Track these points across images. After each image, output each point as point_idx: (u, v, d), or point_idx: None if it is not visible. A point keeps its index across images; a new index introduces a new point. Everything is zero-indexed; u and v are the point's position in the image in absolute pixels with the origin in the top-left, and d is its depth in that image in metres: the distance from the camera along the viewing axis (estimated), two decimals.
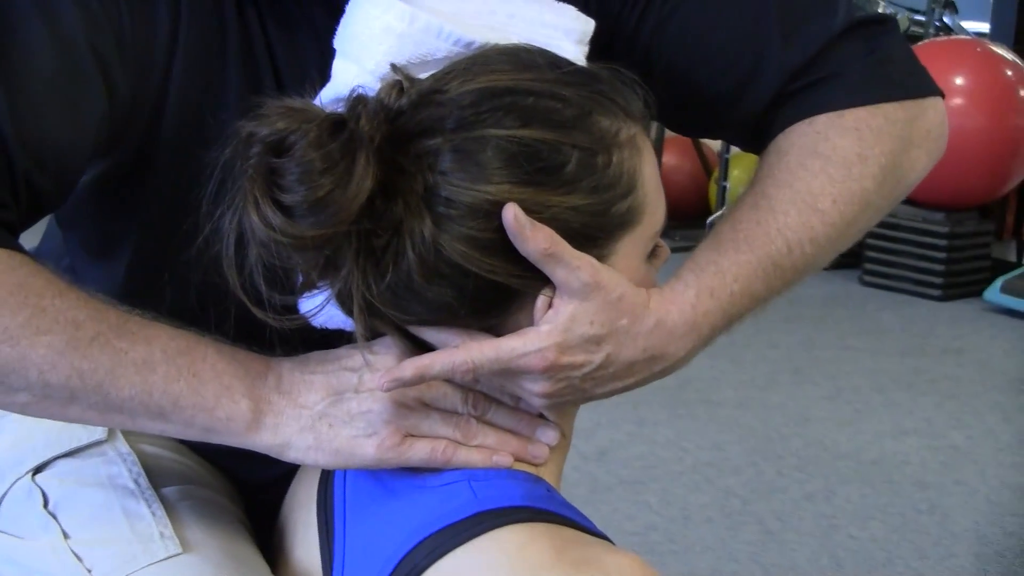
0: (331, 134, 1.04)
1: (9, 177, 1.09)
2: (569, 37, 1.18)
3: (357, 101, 1.07)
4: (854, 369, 4.96)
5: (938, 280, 6.08)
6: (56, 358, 1.07)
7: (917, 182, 1.31)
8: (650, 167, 1.13)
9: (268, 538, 1.32)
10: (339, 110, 1.07)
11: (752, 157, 1.32)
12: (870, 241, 6.38)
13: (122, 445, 1.32)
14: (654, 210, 1.13)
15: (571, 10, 1.20)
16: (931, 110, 1.30)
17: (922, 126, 1.28)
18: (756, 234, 1.19)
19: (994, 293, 5.98)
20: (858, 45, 1.28)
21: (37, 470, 1.30)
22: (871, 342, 5.24)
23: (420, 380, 1.11)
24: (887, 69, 1.28)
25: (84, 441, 1.31)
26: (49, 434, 1.31)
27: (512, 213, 1.04)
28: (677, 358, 1.15)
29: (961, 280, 6.15)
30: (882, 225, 6.57)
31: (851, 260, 6.10)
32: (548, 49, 1.14)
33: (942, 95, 1.31)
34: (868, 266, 6.28)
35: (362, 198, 1.02)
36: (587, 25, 1.19)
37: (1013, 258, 6.47)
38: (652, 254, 1.16)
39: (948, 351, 5.31)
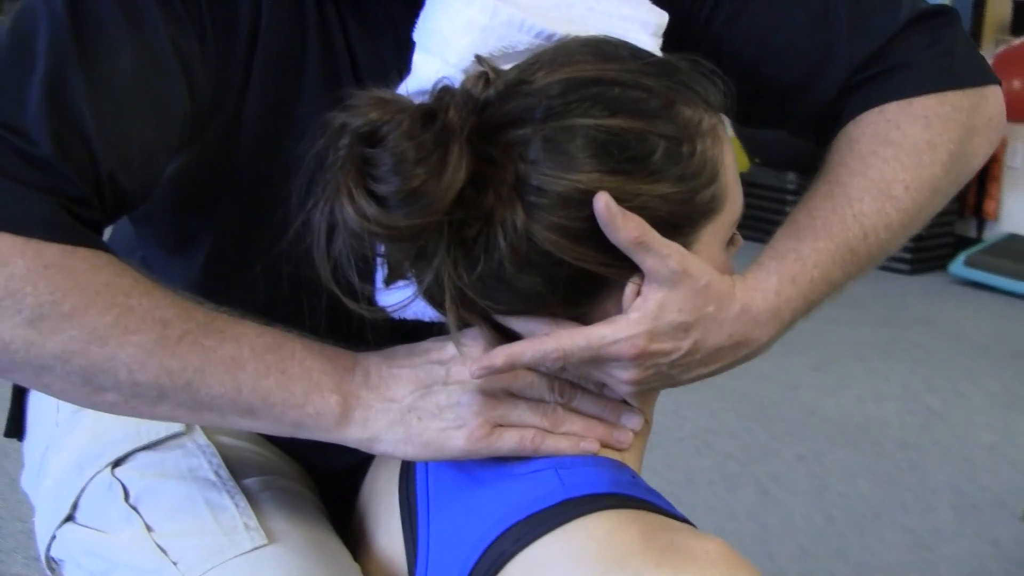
0: (423, 125, 0.96)
1: (94, 176, 1.00)
2: (645, 29, 1.10)
3: (444, 92, 0.99)
4: (835, 340, 4.92)
5: (907, 255, 6.06)
6: (145, 357, 0.99)
7: (978, 168, 1.23)
8: (729, 156, 1.05)
9: (345, 526, 1.24)
10: (423, 101, 0.99)
11: None
12: None
13: (200, 437, 1.23)
14: (734, 198, 1.06)
15: (646, 3, 1.12)
16: (992, 98, 1.23)
17: (984, 114, 1.21)
18: (833, 221, 1.12)
19: (958, 267, 5.99)
20: (922, 37, 1.21)
21: (116, 463, 1.21)
22: (849, 315, 5.21)
23: (511, 368, 1.03)
24: (951, 59, 1.21)
25: (163, 434, 1.22)
26: (127, 427, 1.22)
27: (604, 202, 0.96)
28: (760, 344, 1.07)
29: (927, 255, 6.17)
30: None
31: None
32: (627, 40, 1.05)
33: (1000, 84, 1.23)
34: None
35: (456, 188, 0.94)
36: (661, 18, 1.12)
37: (974, 234, 6.47)
38: (730, 242, 1.07)
39: (919, 321, 5.31)
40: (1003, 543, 3.30)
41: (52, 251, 0.96)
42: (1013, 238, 6.01)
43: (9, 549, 2.99)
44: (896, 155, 1.15)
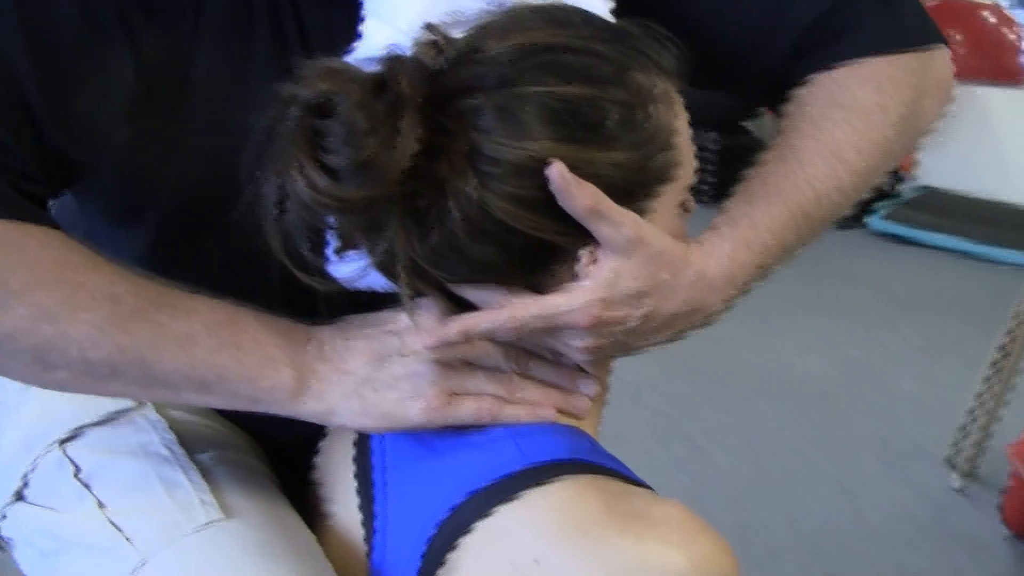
0: (374, 95, 0.93)
1: (39, 150, 0.98)
2: None
3: (394, 61, 0.97)
4: (759, 293, 4.84)
5: None
6: (96, 334, 0.96)
7: (929, 130, 1.22)
8: (683, 122, 1.03)
9: (299, 498, 1.21)
10: (374, 70, 0.97)
11: None
12: None
13: (151, 412, 1.20)
14: (687, 164, 1.04)
15: None
16: (940, 59, 1.22)
17: (933, 75, 1.20)
18: (786, 186, 1.11)
19: (876, 221, 6.03)
20: None
21: (66, 441, 1.18)
22: None
23: (466, 339, 1.01)
24: (900, 20, 1.20)
25: (112, 410, 1.19)
26: (75, 404, 1.19)
27: (557, 170, 0.94)
28: (715, 309, 1.06)
29: None
30: None
31: None
32: (579, 6, 1.03)
33: (948, 44, 1.23)
34: None
35: (408, 158, 0.92)
36: None
37: (889, 188, 6.51)
38: (683, 207, 1.06)
39: (839, 275, 5.32)
40: (927, 489, 3.34)
41: None
42: (929, 191, 6.07)
43: None
44: (847, 119, 1.14)
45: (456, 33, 1.00)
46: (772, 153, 1.15)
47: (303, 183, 0.93)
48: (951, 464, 3.46)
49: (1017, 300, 3.35)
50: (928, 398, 3.95)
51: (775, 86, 1.22)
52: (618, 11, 1.09)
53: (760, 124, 7.17)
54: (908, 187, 6.40)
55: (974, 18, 6.11)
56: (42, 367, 0.97)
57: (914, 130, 1.19)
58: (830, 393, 4.00)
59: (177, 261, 1.08)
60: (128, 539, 1.08)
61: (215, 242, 1.10)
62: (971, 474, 3.35)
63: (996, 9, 6.32)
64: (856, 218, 6.09)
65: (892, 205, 6.14)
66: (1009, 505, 3.08)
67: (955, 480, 3.34)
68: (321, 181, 0.92)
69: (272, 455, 1.27)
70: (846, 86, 1.16)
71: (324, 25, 1.11)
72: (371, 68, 0.97)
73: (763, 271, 1.10)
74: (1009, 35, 6.19)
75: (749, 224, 1.08)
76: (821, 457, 3.52)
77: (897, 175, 6.42)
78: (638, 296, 1.00)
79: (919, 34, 1.20)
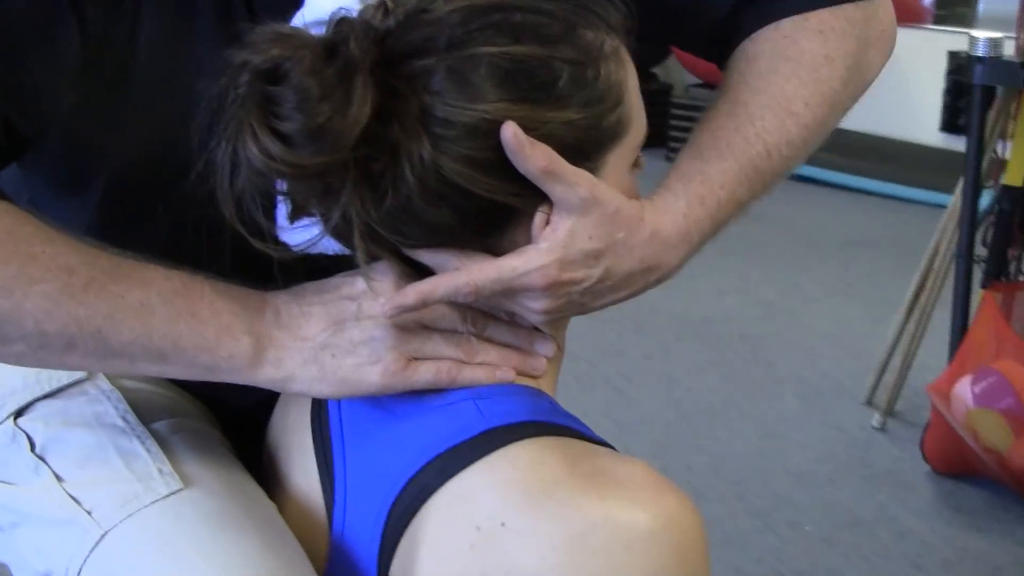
0: (325, 60, 0.91)
1: None
2: None
3: (342, 23, 0.95)
4: None
5: None
6: (51, 306, 0.94)
7: (872, 80, 1.21)
8: (632, 79, 1.02)
9: (253, 464, 1.19)
10: (319, 32, 0.94)
11: None
12: (673, 122, 6.40)
13: (103, 382, 1.18)
14: (638, 121, 1.03)
15: None
16: (882, 10, 1.21)
17: (876, 26, 1.19)
18: (736, 140, 1.09)
19: None
20: None
21: (18, 413, 1.16)
22: None
23: (423, 305, 1.00)
24: None
25: (64, 381, 1.17)
26: (27, 376, 1.17)
27: (511, 132, 0.92)
28: (671, 267, 1.05)
29: None
30: (682, 107, 6.59)
31: (656, 140, 6.08)
32: None
33: None
34: (673, 144, 6.28)
35: (362, 123, 0.90)
36: None
37: None
38: (634, 164, 1.05)
39: (750, 216, 5.31)
40: (847, 427, 3.38)
41: None
42: (837, 132, 6.10)
43: None
44: (795, 71, 1.13)
45: None
46: (721, 107, 1.13)
47: (256, 149, 0.90)
48: (870, 403, 3.51)
49: (930, 239, 3.39)
50: (844, 337, 4.00)
51: (720, 40, 1.21)
52: None
53: (667, 69, 7.19)
54: None
55: None
56: None
57: (860, 81, 1.18)
58: (748, 335, 4.04)
59: (126, 229, 1.06)
60: (88, 512, 1.06)
61: (164, 209, 1.07)
62: (890, 412, 3.41)
63: None
64: None
65: None
66: (929, 442, 3.13)
67: (875, 418, 3.40)
68: (275, 147, 0.90)
69: (224, 420, 1.25)
70: (793, 39, 1.15)
71: None
72: (318, 31, 0.95)
73: (717, 227, 1.08)
74: None
75: (702, 180, 1.07)
76: (742, 398, 3.56)
77: None
78: (594, 256, 0.99)
79: None
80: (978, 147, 3.11)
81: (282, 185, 0.96)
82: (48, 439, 1.13)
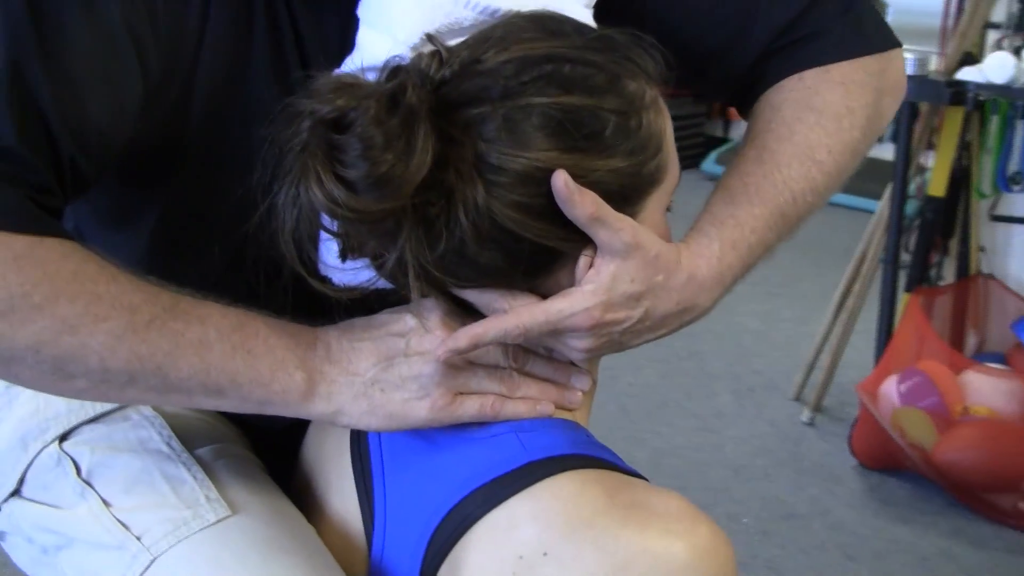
0: (388, 110, 0.90)
1: (55, 163, 0.94)
2: (579, 1, 1.06)
3: (401, 73, 0.94)
4: None
5: None
6: (115, 344, 0.93)
7: (886, 126, 1.23)
8: (669, 126, 1.03)
9: (284, 485, 1.18)
10: (377, 80, 0.94)
11: None
12: None
13: (145, 408, 1.16)
14: (673, 166, 1.04)
15: None
16: (896, 60, 1.23)
17: (891, 76, 1.21)
18: (765, 187, 1.10)
19: (710, 164, 6.14)
20: (835, 5, 1.19)
21: (63, 438, 1.14)
22: None
23: (475, 348, 1.00)
24: (861, 26, 1.19)
25: (108, 407, 1.15)
26: (71, 401, 1.15)
27: (563, 180, 0.93)
28: (704, 308, 1.06)
29: (682, 155, 6.19)
30: None
31: None
32: (565, 14, 1.01)
33: (901, 45, 1.24)
34: None
35: (423, 171, 0.90)
36: None
37: (721, 133, 6.63)
38: (667, 207, 1.06)
39: (679, 217, 5.31)
40: (779, 422, 3.43)
41: (20, 242, 0.90)
42: None
43: None
44: (819, 121, 1.14)
45: (452, 43, 0.98)
46: (749, 154, 1.14)
47: (321, 195, 0.90)
48: (799, 399, 3.56)
49: (853, 242, 3.45)
50: (773, 334, 4.05)
51: (742, 88, 1.22)
52: (597, 16, 1.07)
53: None
54: (737, 132, 6.51)
55: None
56: (61, 377, 0.94)
57: (877, 128, 1.20)
58: (683, 333, 4.04)
59: (173, 262, 1.05)
60: (137, 537, 1.05)
61: (220, 249, 1.07)
62: (818, 408, 3.45)
63: None
64: (692, 162, 6.19)
65: (724, 149, 6.25)
66: (857, 438, 3.18)
67: (805, 414, 3.44)
68: (340, 193, 0.90)
69: (255, 442, 1.24)
70: (816, 90, 1.16)
71: (318, 32, 1.09)
72: (372, 77, 0.95)
73: (746, 269, 1.10)
74: None
75: (734, 224, 1.08)
76: (680, 395, 3.59)
77: (727, 122, 6.53)
78: (635, 298, 1.00)
79: (878, 39, 1.20)
80: (905, 160, 3.16)
81: (333, 225, 0.95)
82: (95, 464, 1.12)
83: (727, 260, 1.06)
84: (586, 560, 0.91)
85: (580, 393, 1.07)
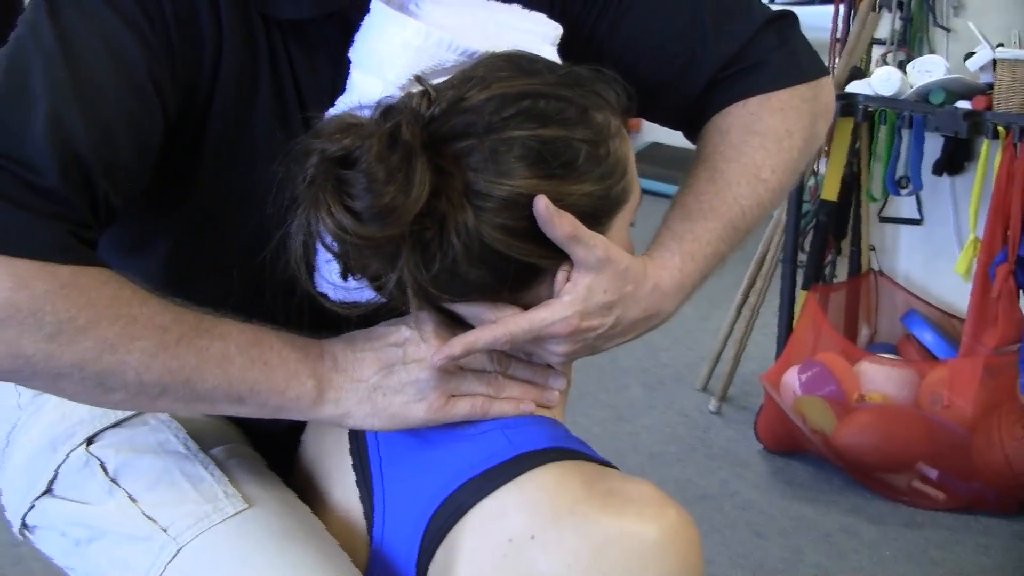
0: (389, 147, 0.97)
1: (91, 200, 1.00)
2: (546, 40, 1.15)
3: (391, 110, 1.01)
4: None
5: None
6: (149, 360, 1.00)
7: (819, 147, 1.32)
8: (631, 152, 1.10)
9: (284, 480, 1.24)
10: (373, 118, 1.00)
11: None
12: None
13: (162, 413, 1.22)
14: (636, 187, 1.11)
15: (543, 17, 1.16)
16: (827, 87, 1.31)
17: (823, 101, 1.29)
18: (717, 204, 1.18)
19: None
20: (772, 38, 1.27)
21: (89, 441, 1.20)
22: None
23: (467, 354, 1.07)
24: (797, 57, 1.28)
25: (127, 412, 1.21)
26: (94, 408, 1.20)
27: (543, 204, 1.00)
28: (668, 313, 1.14)
29: None
30: None
31: None
32: (534, 53, 1.08)
33: (830, 73, 1.32)
34: None
35: (422, 201, 0.97)
36: (558, 30, 1.16)
37: None
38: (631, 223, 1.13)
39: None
40: (688, 412, 3.51)
41: (64, 272, 0.96)
42: (654, 146, 6.26)
43: None
44: (762, 143, 1.22)
45: (437, 82, 1.04)
46: (701, 174, 1.22)
47: (332, 224, 0.97)
48: (706, 389, 3.64)
49: (754, 243, 3.54)
50: (678, 330, 4.11)
51: (691, 114, 1.30)
52: (560, 54, 1.15)
53: None
54: (637, 143, 6.60)
55: None
56: (103, 390, 1.00)
57: (813, 148, 1.29)
58: None
59: (186, 285, 1.10)
60: (164, 529, 1.11)
61: (219, 269, 1.13)
62: (724, 398, 3.54)
63: None
64: None
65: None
66: (762, 424, 3.26)
67: (712, 403, 3.53)
68: (347, 222, 0.96)
69: (256, 442, 1.30)
70: (759, 115, 1.24)
71: (312, 73, 1.15)
72: (366, 114, 1.01)
73: (704, 277, 1.18)
74: None
75: (692, 239, 1.16)
76: (595, 388, 3.64)
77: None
78: (608, 307, 1.07)
79: (811, 68, 1.29)
80: None
81: (334, 246, 1.02)
82: (120, 464, 1.18)
83: (687, 270, 1.14)
84: (569, 542, 0.98)
85: (557, 392, 1.15)
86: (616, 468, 1.08)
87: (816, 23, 3.69)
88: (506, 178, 0.99)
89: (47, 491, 1.20)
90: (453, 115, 1.01)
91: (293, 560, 1.08)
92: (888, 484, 3.00)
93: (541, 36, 1.14)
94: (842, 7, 3.69)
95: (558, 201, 1.01)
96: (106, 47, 1.02)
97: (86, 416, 1.20)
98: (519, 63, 1.06)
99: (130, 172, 1.04)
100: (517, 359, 1.12)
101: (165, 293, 1.04)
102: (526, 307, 1.07)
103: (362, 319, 1.10)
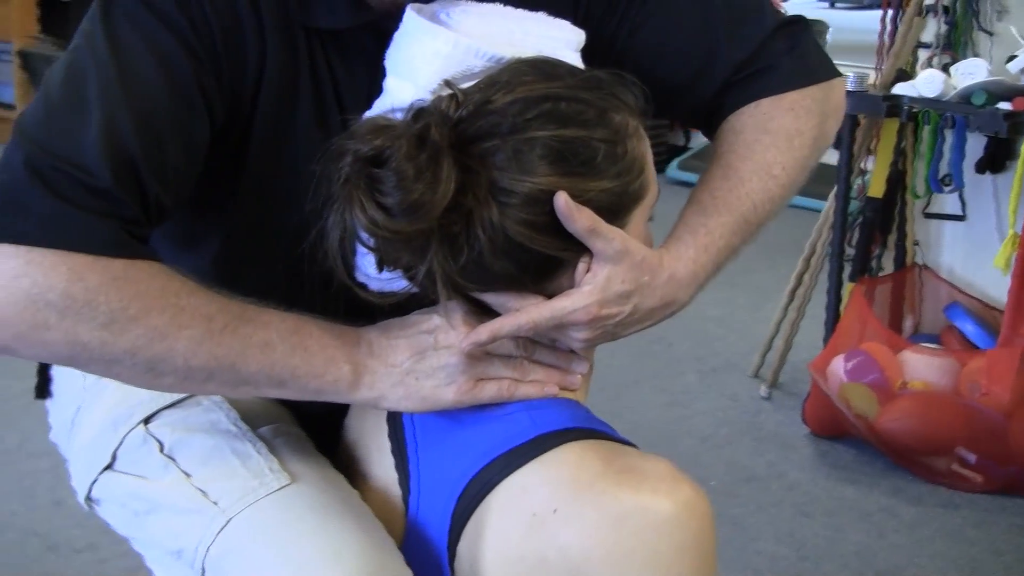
0: (418, 147, 0.98)
1: (142, 199, 1.03)
2: (569, 47, 1.15)
3: (421, 112, 1.02)
4: None
5: None
6: (196, 347, 1.02)
7: (830, 145, 1.32)
8: (649, 151, 1.11)
9: (328, 458, 1.26)
10: (405, 120, 1.02)
11: None
12: None
13: (212, 395, 1.24)
14: (653, 184, 1.12)
15: (568, 24, 1.17)
16: (837, 88, 1.31)
17: (833, 102, 1.29)
18: (730, 199, 1.19)
19: (673, 170, 6.18)
20: (784, 42, 1.27)
21: (147, 420, 1.23)
22: None
23: (494, 340, 1.08)
24: (808, 60, 1.28)
25: (182, 395, 1.23)
26: (152, 391, 1.22)
27: (563, 200, 1.01)
28: (683, 303, 1.15)
29: None
30: None
31: None
32: (558, 58, 1.09)
33: (841, 75, 1.32)
34: None
35: (448, 197, 0.98)
36: (581, 36, 1.17)
37: (682, 142, 6.66)
38: (648, 218, 1.14)
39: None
40: (740, 397, 3.50)
41: (117, 265, 0.99)
42: (711, 145, 6.22)
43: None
44: (774, 142, 1.23)
45: (465, 86, 1.06)
46: (716, 171, 1.23)
47: (364, 219, 0.99)
48: (757, 376, 3.63)
49: (800, 238, 3.52)
50: (731, 320, 4.11)
51: (706, 114, 1.31)
52: (583, 59, 1.16)
53: None
54: (697, 141, 6.57)
55: None
56: (153, 375, 1.03)
57: (822, 147, 1.29)
58: None
59: (236, 278, 1.12)
60: (214, 502, 1.14)
61: (265, 262, 1.17)
62: (774, 384, 3.52)
63: None
64: (658, 168, 6.21)
65: (685, 156, 6.29)
66: (809, 410, 3.25)
67: (762, 389, 3.51)
68: (379, 217, 0.98)
69: (303, 423, 1.32)
70: (771, 115, 1.24)
71: (351, 79, 1.18)
72: (400, 115, 1.03)
73: (717, 268, 1.19)
74: None
75: (705, 232, 1.17)
76: (650, 374, 3.64)
77: (687, 132, 6.57)
78: (626, 296, 1.08)
79: (822, 71, 1.29)
80: (848, 165, 3.24)
81: (369, 241, 1.03)
82: (175, 442, 1.20)
83: (701, 262, 1.15)
84: (588, 516, 0.99)
85: (580, 376, 1.15)
86: (635, 447, 1.09)
87: (866, 26, 3.66)
88: (529, 175, 1.01)
89: (109, 466, 1.23)
90: (479, 117, 1.02)
91: (333, 531, 1.09)
92: (928, 467, 2.97)
93: (565, 42, 1.14)
94: (890, 12, 3.64)
95: (578, 197, 1.02)
96: (156, 56, 1.05)
97: (145, 397, 1.22)
98: (542, 68, 1.07)
99: (179, 174, 1.06)
100: (541, 345, 1.13)
101: (213, 287, 1.07)
102: (549, 296, 1.08)
103: (394, 308, 1.12)
